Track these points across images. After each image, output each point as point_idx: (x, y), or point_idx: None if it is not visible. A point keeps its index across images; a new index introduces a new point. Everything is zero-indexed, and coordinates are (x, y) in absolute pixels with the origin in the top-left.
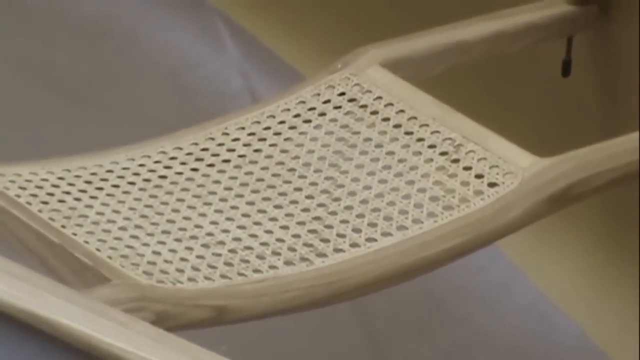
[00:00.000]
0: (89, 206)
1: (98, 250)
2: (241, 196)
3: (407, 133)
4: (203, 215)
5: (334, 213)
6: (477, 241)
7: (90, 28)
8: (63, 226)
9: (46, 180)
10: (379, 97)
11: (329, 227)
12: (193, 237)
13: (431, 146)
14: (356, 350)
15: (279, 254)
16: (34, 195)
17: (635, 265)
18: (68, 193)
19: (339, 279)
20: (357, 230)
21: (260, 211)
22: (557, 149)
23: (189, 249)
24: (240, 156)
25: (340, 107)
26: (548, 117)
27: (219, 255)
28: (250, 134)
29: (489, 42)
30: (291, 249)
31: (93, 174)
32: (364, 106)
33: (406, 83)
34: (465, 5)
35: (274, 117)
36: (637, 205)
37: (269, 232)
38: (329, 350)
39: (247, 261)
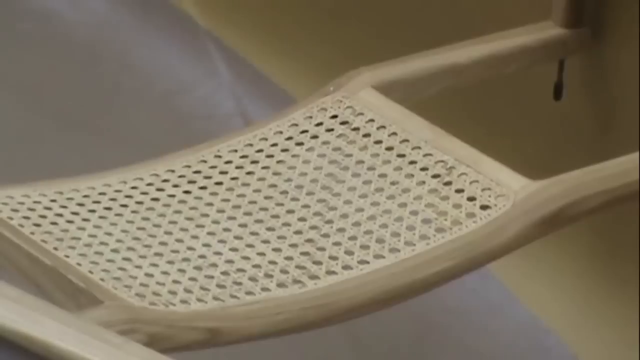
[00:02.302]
0: (82, 228)
1: (90, 272)
2: (233, 218)
3: (399, 155)
4: (195, 237)
5: (326, 235)
6: (469, 264)
7: (83, 52)
8: (55, 248)
9: (38, 202)
10: (371, 120)
11: (322, 249)
12: (185, 260)
13: (423, 169)
14: None
15: (271, 276)
16: (27, 218)
17: (627, 289)
18: (60, 215)
19: (331, 301)
20: (349, 253)
21: (252, 233)
22: (549, 172)
23: (182, 271)
24: (233, 179)
25: (332, 129)
26: (540, 140)
27: (212, 277)
28: (242, 157)
29: (482, 65)
30: (283, 272)
31: (85, 196)
32: (356, 129)
33: (398, 106)
34: (457, 29)
35: (266, 139)
36: (631, 227)
37: (261, 254)
38: None
39: (240, 283)
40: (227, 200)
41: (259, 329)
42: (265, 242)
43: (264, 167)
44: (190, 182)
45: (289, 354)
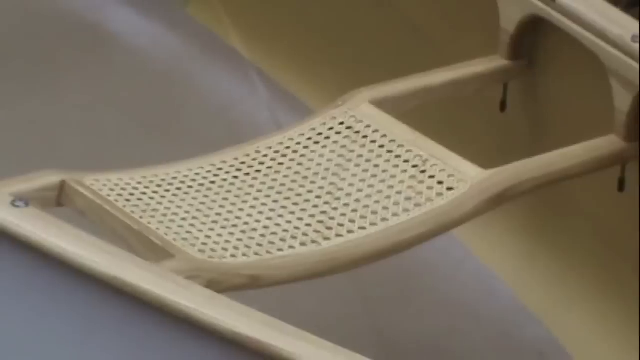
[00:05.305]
0: (160, 203)
1: (166, 234)
2: (269, 196)
3: (388, 151)
4: (241, 209)
5: (335, 209)
6: (439, 229)
7: (160, 78)
8: (141, 217)
9: (129, 184)
10: (369, 126)
11: (332, 218)
12: (234, 226)
13: (406, 161)
14: (352, 307)
15: (295, 237)
16: (120, 195)
17: (559, 238)
18: (145, 193)
19: (339, 256)
20: (352, 221)
21: (282, 207)
22: (496, 163)
23: (231, 234)
24: (269, 167)
25: (340, 132)
26: (490, 140)
27: (253, 238)
28: (275, 152)
29: (448, 86)
30: (304, 234)
31: (163, 179)
32: (357, 132)
33: (388, 116)
34: (431, 60)
35: (292, 139)
36: (562, 191)
37: (288, 222)
38: (332, 308)
39: (273, 243)
40: (264, 183)
41: (287, 276)
42: (292, 213)
43: (291, 160)
44: (238, 169)
45: (309, 295)
